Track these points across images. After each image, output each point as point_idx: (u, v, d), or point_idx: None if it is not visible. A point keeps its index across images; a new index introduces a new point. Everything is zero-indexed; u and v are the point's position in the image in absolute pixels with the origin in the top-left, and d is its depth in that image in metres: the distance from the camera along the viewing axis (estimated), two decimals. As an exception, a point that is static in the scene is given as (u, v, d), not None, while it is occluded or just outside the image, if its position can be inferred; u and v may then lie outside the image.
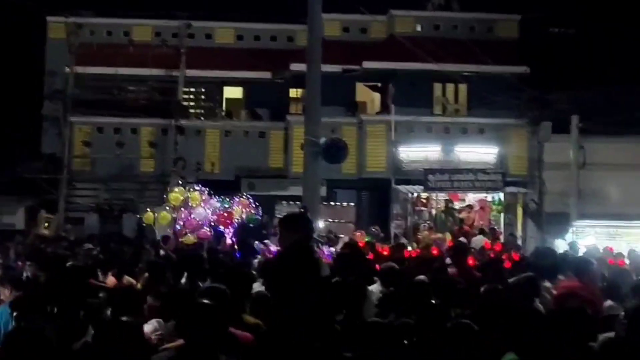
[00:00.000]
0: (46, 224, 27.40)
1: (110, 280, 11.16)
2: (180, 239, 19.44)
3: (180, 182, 20.59)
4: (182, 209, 19.35)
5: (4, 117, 31.66)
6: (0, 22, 33.19)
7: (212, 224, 19.86)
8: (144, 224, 21.35)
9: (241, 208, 20.57)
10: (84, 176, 29.23)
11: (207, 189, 20.82)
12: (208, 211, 19.28)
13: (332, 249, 14.62)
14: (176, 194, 18.93)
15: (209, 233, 19.87)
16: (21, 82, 31.72)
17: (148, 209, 20.83)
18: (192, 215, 18.92)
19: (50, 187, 28.52)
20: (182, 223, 19.31)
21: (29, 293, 6.99)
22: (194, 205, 18.91)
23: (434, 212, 27.17)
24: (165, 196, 20.06)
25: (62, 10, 29.73)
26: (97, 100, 28.66)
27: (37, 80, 31.23)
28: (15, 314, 5.73)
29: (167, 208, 18.88)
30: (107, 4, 30.62)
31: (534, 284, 8.50)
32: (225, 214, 19.61)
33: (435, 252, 17.02)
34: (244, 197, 21.25)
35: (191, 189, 19.32)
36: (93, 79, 29.55)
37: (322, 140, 16.21)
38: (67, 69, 29.25)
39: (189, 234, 19.31)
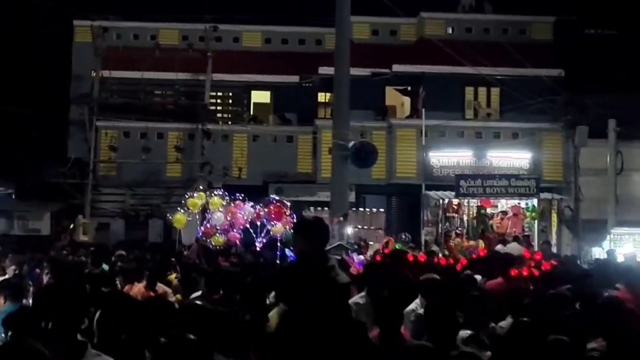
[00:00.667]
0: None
1: (137, 289, 10.58)
2: (208, 239, 19.04)
3: (201, 187, 20.07)
4: (206, 213, 19.01)
5: (31, 121, 31.45)
6: (27, 26, 33.21)
7: (244, 226, 19.50)
8: (173, 224, 20.96)
9: (285, 224, 20.22)
10: (109, 181, 28.89)
11: (241, 194, 20.41)
12: (241, 212, 18.85)
13: (361, 256, 14.03)
14: (194, 200, 18.45)
15: (237, 236, 19.52)
16: (48, 86, 31.54)
17: (177, 213, 20.42)
18: (210, 221, 18.49)
19: (75, 192, 28.20)
20: (206, 227, 19.00)
21: (24, 306, 6.47)
22: (214, 210, 18.46)
23: (465, 218, 26.47)
24: (183, 201, 19.57)
25: (90, 14, 29.42)
26: (123, 105, 28.34)
27: (64, 84, 31.03)
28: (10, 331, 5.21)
29: (182, 211, 18.44)
30: (134, 8, 30.32)
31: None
32: (276, 209, 19.10)
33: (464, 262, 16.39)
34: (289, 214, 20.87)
35: (212, 194, 18.81)
36: (119, 82, 29.28)
37: (351, 143, 15.64)
38: (93, 73, 28.92)
39: (217, 235, 18.88)
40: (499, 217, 25.96)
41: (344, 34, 16.91)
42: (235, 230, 19.06)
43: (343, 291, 5.70)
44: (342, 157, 15.47)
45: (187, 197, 18.93)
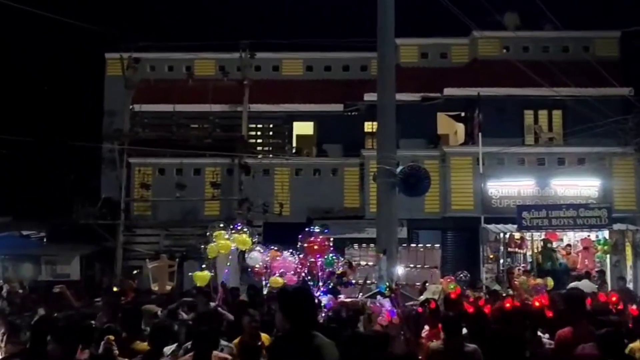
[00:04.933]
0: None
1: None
2: (258, 279, 16.83)
3: (221, 224, 17.92)
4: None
5: (64, 160, 30.18)
6: (59, 60, 32.18)
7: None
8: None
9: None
10: (144, 221, 27.18)
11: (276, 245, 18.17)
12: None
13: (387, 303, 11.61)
14: (213, 248, 16.14)
15: (295, 279, 17.40)
16: (80, 122, 30.21)
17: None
18: (248, 262, 16.37)
19: (108, 233, 26.51)
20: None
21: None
22: (245, 249, 16.29)
23: (529, 254, 24.14)
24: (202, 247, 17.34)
25: (123, 47, 27.84)
26: (156, 140, 26.67)
27: (97, 120, 29.62)
28: None
29: (204, 266, 16.20)
30: (169, 39, 28.81)
31: None
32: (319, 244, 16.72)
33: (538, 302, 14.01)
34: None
35: (233, 231, 16.62)
36: (152, 116, 27.75)
37: (399, 169, 13.45)
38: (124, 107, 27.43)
39: (276, 276, 16.62)
40: (567, 251, 23.71)
41: (389, 44, 14.82)
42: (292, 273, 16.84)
43: None
44: (389, 185, 13.26)
45: (203, 246, 16.71)
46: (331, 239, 16.44)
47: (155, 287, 21.90)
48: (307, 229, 17.16)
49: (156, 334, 7.63)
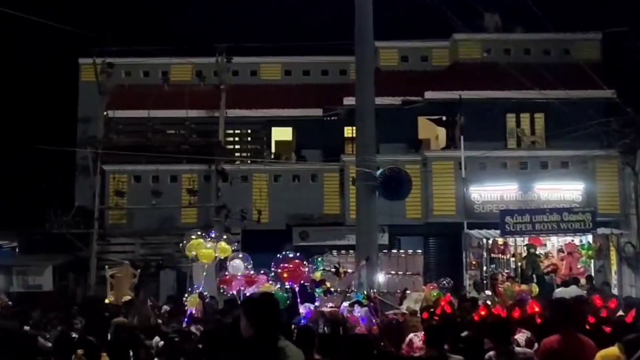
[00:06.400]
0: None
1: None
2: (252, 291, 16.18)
3: (199, 232, 17.42)
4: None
5: (38, 168, 29.55)
6: (33, 67, 31.59)
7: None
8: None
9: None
10: (119, 230, 26.51)
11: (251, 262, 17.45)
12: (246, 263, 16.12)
13: (365, 310, 11.03)
14: (209, 252, 15.67)
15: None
16: (54, 130, 29.56)
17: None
18: (230, 270, 15.82)
19: (83, 243, 25.84)
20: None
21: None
22: (224, 256, 15.79)
23: (512, 259, 23.68)
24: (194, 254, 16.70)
25: (98, 51, 27.16)
26: (131, 146, 26.02)
27: (71, 126, 28.95)
28: None
29: (197, 292, 15.71)
30: (145, 44, 28.15)
31: None
32: (292, 268, 15.93)
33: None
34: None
35: (212, 240, 16.09)
36: (127, 122, 27.10)
37: (379, 172, 12.93)
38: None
39: (268, 284, 15.96)
40: (551, 257, 23.27)
41: (367, 45, 14.33)
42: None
43: None
44: (369, 188, 12.73)
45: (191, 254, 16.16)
46: (305, 264, 15.77)
47: (110, 298, 20.52)
48: (282, 254, 16.44)
49: (115, 349, 7.10)
